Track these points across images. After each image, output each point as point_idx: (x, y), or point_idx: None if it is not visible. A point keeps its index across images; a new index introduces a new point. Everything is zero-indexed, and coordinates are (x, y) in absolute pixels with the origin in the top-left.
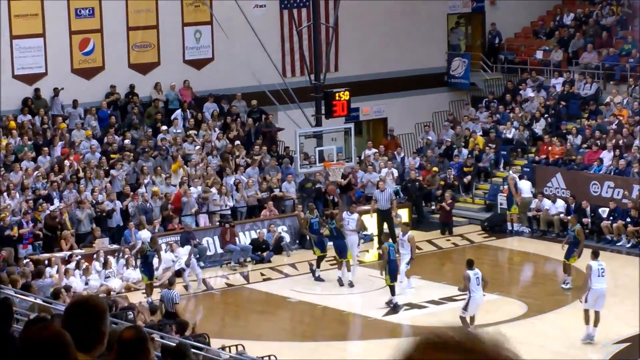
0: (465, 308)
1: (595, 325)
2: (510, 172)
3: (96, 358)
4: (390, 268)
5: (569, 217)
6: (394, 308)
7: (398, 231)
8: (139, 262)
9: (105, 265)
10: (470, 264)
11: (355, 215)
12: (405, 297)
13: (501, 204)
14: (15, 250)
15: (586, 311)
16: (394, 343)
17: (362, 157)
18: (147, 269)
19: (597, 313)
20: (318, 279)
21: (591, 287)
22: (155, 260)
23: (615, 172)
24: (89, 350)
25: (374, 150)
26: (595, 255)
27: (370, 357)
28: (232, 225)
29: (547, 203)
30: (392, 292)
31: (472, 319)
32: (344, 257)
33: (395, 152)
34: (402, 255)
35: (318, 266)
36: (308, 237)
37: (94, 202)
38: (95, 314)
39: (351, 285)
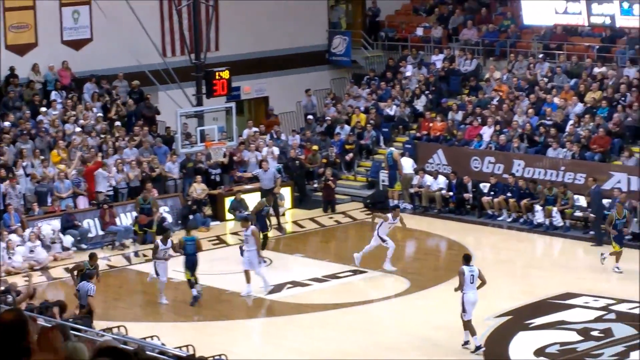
0: (464, 311)
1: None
2: (392, 148)
3: None
4: (188, 262)
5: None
6: (194, 299)
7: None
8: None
9: None
10: (467, 259)
11: (250, 230)
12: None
13: (383, 181)
14: None
15: (468, 322)
16: (276, 321)
17: (246, 137)
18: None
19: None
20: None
21: (464, 293)
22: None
23: (495, 148)
24: None
25: (255, 129)
26: (466, 260)
27: (253, 335)
28: (110, 207)
29: (428, 179)
30: (191, 285)
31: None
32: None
33: (274, 131)
34: (247, 252)
35: (263, 248)
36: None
37: None
38: None
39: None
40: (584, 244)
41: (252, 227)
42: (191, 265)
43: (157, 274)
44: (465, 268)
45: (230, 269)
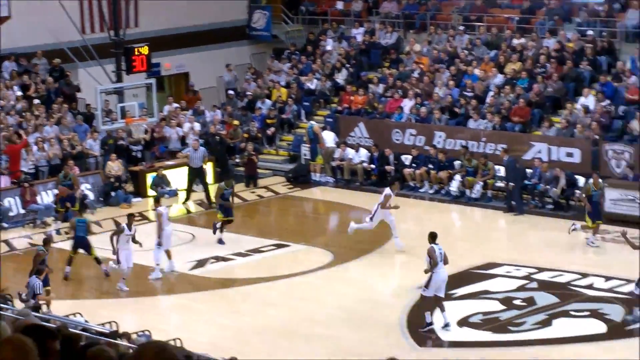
0: (427, 285)
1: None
2: (312, 122)
3: None
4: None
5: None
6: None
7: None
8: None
9: None
10: (433, 237)
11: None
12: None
13: (305, 155)
14: None
15: (438, 299)
16: (201, 297)
17: (167, 113)
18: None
19: (439, 299)
20: (220, 241)
21: (434, 272)
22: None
23: (416, 120)
24: None
25: (176, 105)
26: (432, 238)
27: (178, 310)
28: (31, 185)
29: (350, 152)
30: (98, 262)
31: (439, 299)
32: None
33: (195, 107)
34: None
35: (221, 230)
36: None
37: None
38: None
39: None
40: (505, 214)
41: (160, 207)
42: (83, 247)
43: (118, 262)
44: (434, 246)
45: (153, 245)
